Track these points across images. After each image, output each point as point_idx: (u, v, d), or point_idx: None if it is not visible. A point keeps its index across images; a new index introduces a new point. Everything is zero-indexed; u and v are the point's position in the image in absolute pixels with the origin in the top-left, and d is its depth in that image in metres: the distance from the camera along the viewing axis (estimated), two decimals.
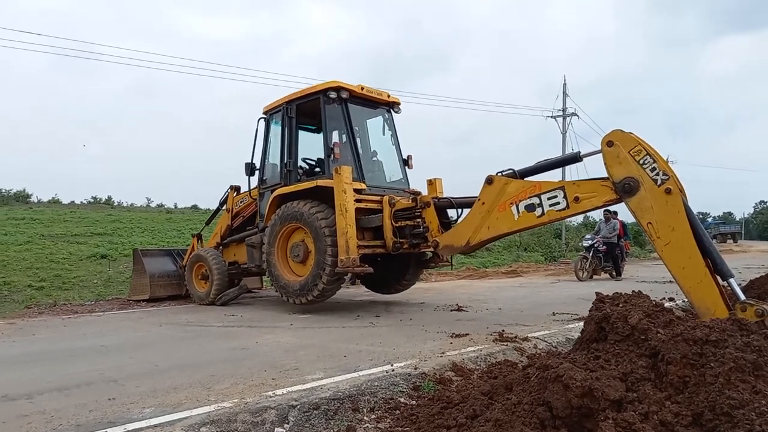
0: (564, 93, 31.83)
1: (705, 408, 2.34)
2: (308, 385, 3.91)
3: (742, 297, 3.90)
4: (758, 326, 2.82)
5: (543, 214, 5.52)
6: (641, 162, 4.69)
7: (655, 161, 4.65)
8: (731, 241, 50.23)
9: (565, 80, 32.16)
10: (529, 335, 5.70)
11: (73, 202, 35.21)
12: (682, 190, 4.56)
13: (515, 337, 5.57)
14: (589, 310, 3.16)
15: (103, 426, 3.10)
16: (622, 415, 2.41)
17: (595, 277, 13.40)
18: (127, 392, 3.79)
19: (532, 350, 5.24)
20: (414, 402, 3.87)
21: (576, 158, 5.72)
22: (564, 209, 5.41)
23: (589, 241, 13.40)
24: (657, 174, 4.60)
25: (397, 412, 3.72)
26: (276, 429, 3.33)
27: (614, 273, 13.38)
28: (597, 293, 3.31)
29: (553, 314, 7.11)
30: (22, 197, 33.13)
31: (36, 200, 33.38)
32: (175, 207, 40.35)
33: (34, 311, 8.69)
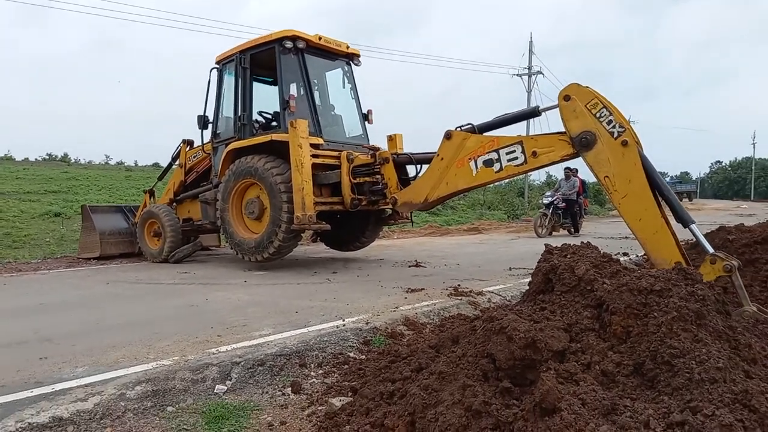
0: (530, 51, 31.66)
1: (646, 357, 2.31)
2: (255, 342, 3.80)
3: (710, 248, 3.91)
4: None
5: (501, 169, 5.48)
6: (597, 115, 4.66)
7: (611, 113, 4.62)
8: (687, 199, 51.86)
9: (531, 38, 31.94)
10: (484, 290, 5.71)
11: (26, 159, 33.88)
12: (638, 142, 4.56)
13: (470, 291, 5.57)
14: (538, 262, 3.10)
15: (29, 386, 2.93)
16: (564, 366, 2.37)
17: (554, 233, 13.57)
18: (61, 351, 3.61)
19: (486, 304, 5.24)
20: (363, 356, 3.81)
21: (535, 112, 5.64)
22: (522, 164, 5.37)
23: (549, 198, 13.51)
24: (613, 127, 4.58)
25: (346, 366, 3.66)
26: (217, 386, 3.22)
27: (573, 229, 13.59)
28: (546, 245, 3.25)
29: (510, 269, 7.14)
30: None
31: None
32: (136, 165, 39.23)
33: None
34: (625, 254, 8.12)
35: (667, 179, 70.03)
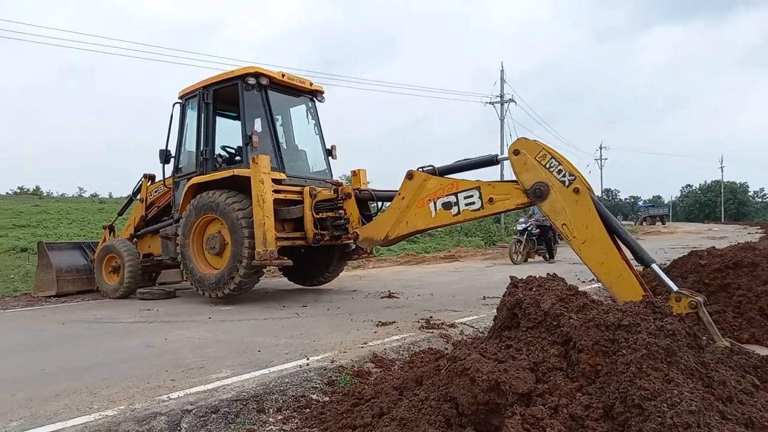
0: (502, 79, 32.24)
1: (616, 399, 2.17)
2: (210, 386, 3.56)
3: (674, 286, 3.90)
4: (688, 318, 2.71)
5: (459, 213, 5.58)
6: (547, 166, 4.83)
7: (560, 163, 4.79)
8: (660, 222, 52.73)
9: (502, 67, 32.56)
10: (456, 321, 5.55)
11: None
12: (589, 188, 4.73)
13: (442, 323, 5.40)
14: (503, 296, 2.97)
15: None
16: (530, 410, 2.22)
17: (529, 260, 13.53)
18: None
19: (458, 336, 5.08)
20: (327, 398, 3.60)
21: (493, 161, 5.82)
22: (479, 209, 5.49)
23: (523, 225, 13.49)
24: (564, 176, 4.74)
25: (307, 410, 3.44)
26: None
27: (547, 256, 13.55)
28: (511, 277, 3.12)
29: (484, 298, 7.00)
30: None
31: None
32: (110, 197, 38.52)
33: None
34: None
35: (640, 203, 71.42)
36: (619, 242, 4.46)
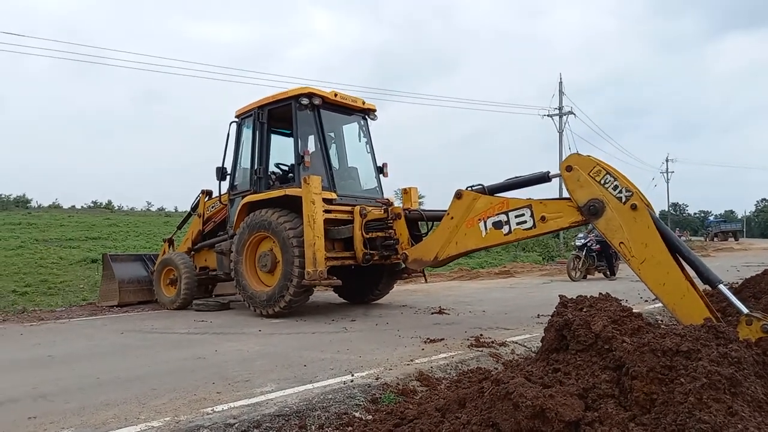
0: (560, 91, 31.51)
1: None
2: (254, 400, 3.57)
3: (744, 309, 3.60)
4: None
5: (510, 232, 5.44)
6: (602, 182, 4.64)
7: (616, 179, 4.59)
8: (732, 239, 49.81)
9: (561, 78, 31.82)
10: (507, 339, 5.37)
11: (73, 206, 35.06)
12: (648, 205, 4.49)
13: (492, 342, 5.24)
14: (551, 315, 2.82)
15: None
16: None
17: (588, 276, 13.04)
18: (53, 410, 3.45)
19: (508, 356, 4.92)
20: (370, 417, 3.53)
21: (545, 178, 5.60)
22: (531, 228, 5.33)
23: (582, 240, 13.03)
24: (620, 192, 4.53)
25: (349, 428, 3.38)
26: None
27: (608, 272, 13.01)
28: (561, 296, 2.97)
29: (538, 316, 6.76)
30: (21, 202, 32.98)
31: (36, 205, 33.22)
32: (176, 210, 40.09)
33: None
34: None
35: (711, 218, 67.87)
36: (683, 261, 4.19)
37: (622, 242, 4.41)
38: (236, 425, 3.17)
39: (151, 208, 41.73)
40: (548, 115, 31.42)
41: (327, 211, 7.09)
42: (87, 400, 3.64)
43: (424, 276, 8.67)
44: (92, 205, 38.92)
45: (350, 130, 8.56)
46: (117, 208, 38.27)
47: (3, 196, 33.26)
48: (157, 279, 9.14)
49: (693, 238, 53.21)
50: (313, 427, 3.34)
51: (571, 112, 31.21)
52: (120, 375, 4.35)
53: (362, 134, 8.47)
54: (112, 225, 24.17)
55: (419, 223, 7.21)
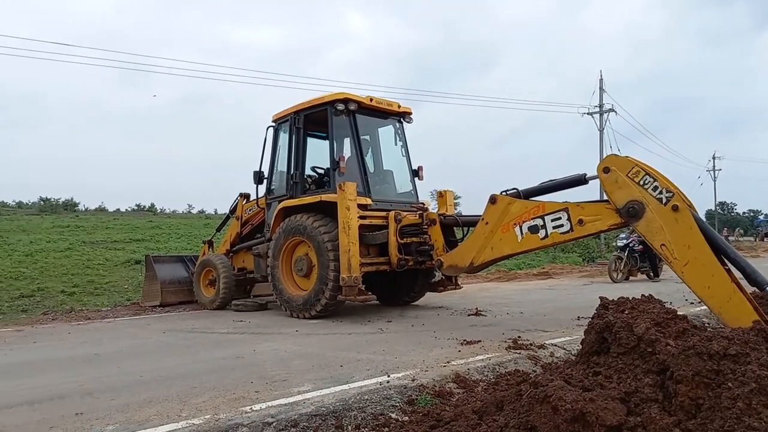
0: (601, 88, 30.78)
1: None
2: (292, 399, 3.61)
3: None
4: None
5: (546, 236, 5.35)
6: (641, 183, 4.53)
7: (655, 179, 4.47)
8: None
9: (601, 75, 31.09)
10: (546, 342, 5.28)
11: (118, 209, 36.17)
12: (690, 205, 4.36)
13: (531, 344, 5.16)
14: (591, 318, 2.75)
15: None
16: None
17: (631, 278, 12.69)
18: (99, 406, 3.57)
19: (547, 359, 4.83)
20: (406, 418, 3.52)
21: (581, 180, 5.47)
22: (568, 232, 5.24)
23: (624, 240, 12.69)
24: (660, 193, 4.41)
25: (386, 429, 3.38)
26: None
27: (651, 274, 12.63)
28: (601, 297, 2.89)
29: (578, 318, 6.62)
30: (69, 206, 34.19)
31: (83, 208, 34.39)
32: (215, 213, 40.91)
33: (48, 317, 8.68)
34: None
35: (761, 217, 64.97)
36: (728, 263, 4.03)
37: (663, 244, 4.30)
38: (274, 424, 3.21)
39: (192, 211, 42.69)
40: (588, 113, 30.75)
41: (362, 217, 7.11)
42: (131, 397, 3.74)
43: (457, 284, 8.54)
44: (136, 207, 40.04)
45: (386, 133, 8.57)
46: (159, 210, 39.26)
47: (52, 199, 34.59)
48: (197, 279, 9.36)
49: (742, 238, 51.06)
50: (349, 427, 3.35)
51: (612, 110, 30.47)
52: (162, 373, 4.47)
53: (398, 137, 8.47)
54: (155, 227, 24.85)
55: (454, 228, 7.15)
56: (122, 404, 3.60)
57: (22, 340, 6.41)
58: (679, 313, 2.78)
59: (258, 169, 8.56)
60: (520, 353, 4.84)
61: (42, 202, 34.07)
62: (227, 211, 10.03)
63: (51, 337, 6.61)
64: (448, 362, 4.52)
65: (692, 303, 7.51)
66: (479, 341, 5.36)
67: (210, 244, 10.10)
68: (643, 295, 2.86)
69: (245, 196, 9.39)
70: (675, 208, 4.24)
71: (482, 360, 4.60)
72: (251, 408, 3.43)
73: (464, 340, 5.42)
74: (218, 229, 10.58)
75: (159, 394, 3.80)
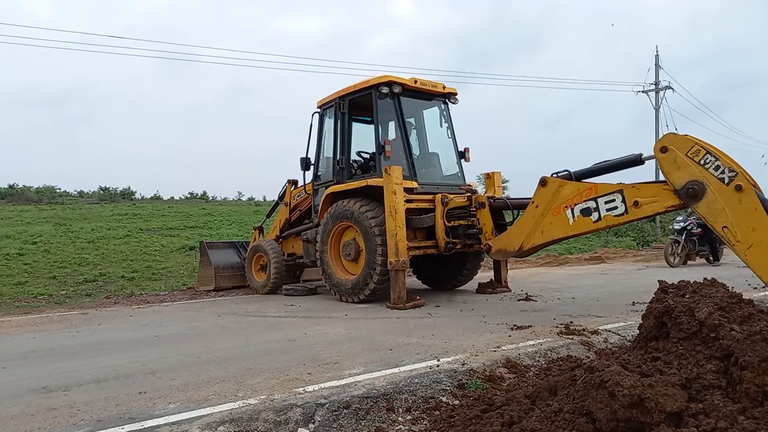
0: (657, 65, 29.57)
1: None
2: (343, 381, 3.67)
3: None
4: None
5: (600, 219, 5.20)
6: (702, 162, 4.33)
7: (717, 159, 4.26)
8: None
9: (657, 51, 29.84)
10: (600, 327, 5.16)
11: (172, 197, 37.39)
12: (755, 185, 4.17)
13: (583, 329, 5.06)
14: (649, 302, 2.67)
15: (123, 422, 3.01)
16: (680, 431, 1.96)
17: (689, 262, 12.24)
18: (161, 385, 3.73)
19: (601, 345, 4.72)
20: (457, 402, 3.53)
21: (637, 161, 5.27)
22: (622, 214, 5.07)
23: (682, 223, 12.22)
24: (723, 172, 4.21)
25: (436, 413, 3.39)
26: (299, 429, 3.11)
27: (711, 258, 12.14)
28: (660, 281, 2.80)
29: (633, 304, 6.44)
30: (127, 194, 35.56)
31: (140, 197, 35.74)
32: (264, 200, 41.73)
33: (110, 301, 9.10)
34: None
35: None
36: None
37: (725, 226, 4.12)
38: (327, 405, 3.27)
39: (242, 198, 43.64)
40: (643, 91, 29.62)
41: (408, 201, 7.09)
42: (190, 378, 3.89)
43: (506, 285, 8.37)
44: (189, 195, 41.20)
45: (431, 115, 8.51)
46: (211, 198, 40.28)
47: (111, 188, 36.00)
48: (249, 265, 9.60)
49: None
50: (400, 409, 3.38)
51: (669, 87, 29.24)
52: (218, 355, 4.62)
53: (443, 119, 8.39)
54: (207, 214, 25.62)
55: (504, 212, 7.04)
56: (182, 384, 3.74)
57: (88, 323, 6.76)
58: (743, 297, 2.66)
59: (305, 156, 8.66)
60: (572, 339, 4.76)
61: (101, 191, 35.55)
62: (276, 198, 10.23)
63: (114, 320, 6.95)
64: (498, 347, 4.49)
65: (755, 288, 7.18)
66: (530, 326, 5.29)
67: (260, 230, 10.33)
68: (705, 278, 2.75)
69: (293, 183, 9.54)
70: (738, 188, 4.05)
71: (533, 345, 4.54)
72: (304, 389, 3.51)
73: (514, 325, 5.36)
74: (268, 216, 10.81)
75: (216, 375, 3.94)
